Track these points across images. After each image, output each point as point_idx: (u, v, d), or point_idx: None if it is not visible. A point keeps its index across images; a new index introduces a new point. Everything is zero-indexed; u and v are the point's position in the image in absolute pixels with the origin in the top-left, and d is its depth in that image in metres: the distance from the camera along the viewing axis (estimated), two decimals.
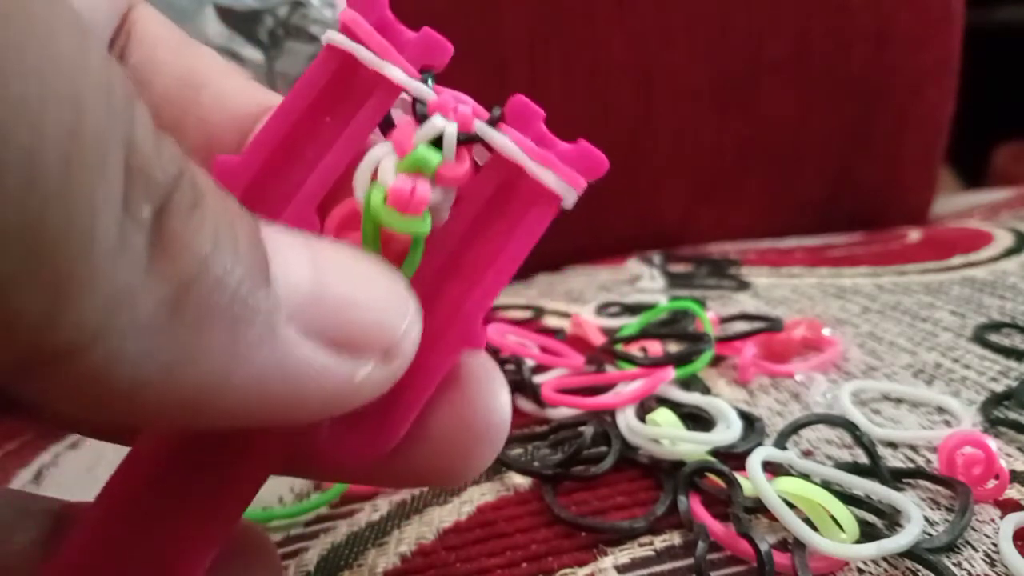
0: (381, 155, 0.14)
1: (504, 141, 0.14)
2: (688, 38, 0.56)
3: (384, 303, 0.13)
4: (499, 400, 0.16)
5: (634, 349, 0.31)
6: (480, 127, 0.14)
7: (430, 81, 0.15)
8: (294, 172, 0.14)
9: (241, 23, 0.40)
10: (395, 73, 0.14)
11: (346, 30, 0.15)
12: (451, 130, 0.14)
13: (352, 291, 0.12)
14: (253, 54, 0.40)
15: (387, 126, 0.15)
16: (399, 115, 0.15)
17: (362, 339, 0.12)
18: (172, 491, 0.14)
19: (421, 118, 0.14)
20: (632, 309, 0.39)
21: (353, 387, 0.12)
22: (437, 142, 0.14)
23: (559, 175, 0.15)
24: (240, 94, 0.16)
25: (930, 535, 0.20)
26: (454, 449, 0.15)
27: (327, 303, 0.12)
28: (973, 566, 0.19)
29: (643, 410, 0.27)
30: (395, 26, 0.15)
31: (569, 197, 0.15)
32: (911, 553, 0.19)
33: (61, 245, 0.09)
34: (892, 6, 0.58)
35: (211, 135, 0.16)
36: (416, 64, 0.15)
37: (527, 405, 0.29)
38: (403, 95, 0.15)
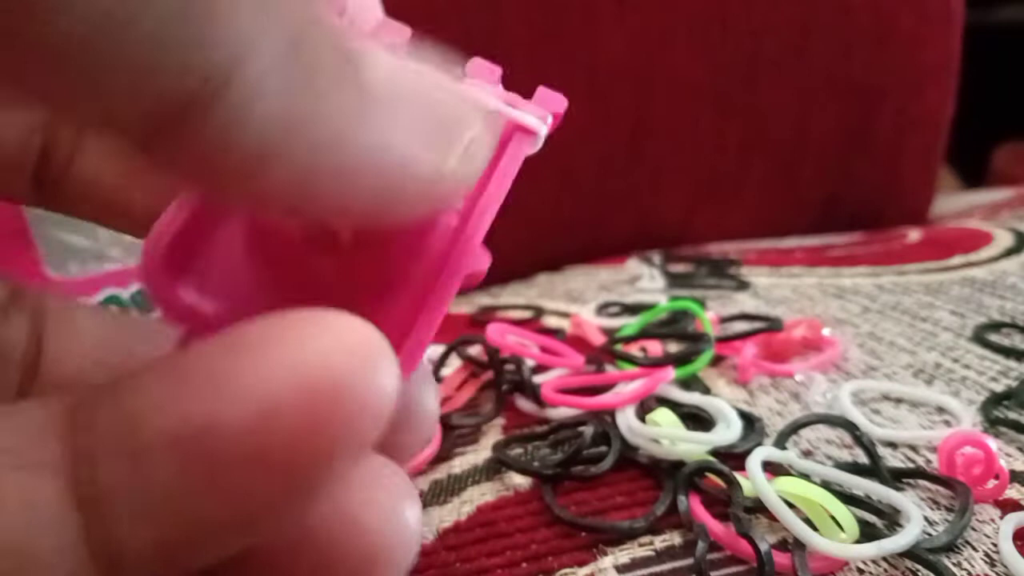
0: None
1: (472, 89, 0.15)
2: (688, 38, 0.56)
3: (462, 98, 0.13)
4: (401, 519, 0.12)
5: (634, 349, 0.31)
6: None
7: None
8: None
9: None
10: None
11: None
12: None
13: (434, 82, 0.13)
14: None
15: None
16: None
17: (448, 126, 0.12)
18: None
19: None
20: (632, 309, 0.39)
21: (439, 177, 0.12)
22: None
23: (526, 111, 0.15)
24: None
25: (930, 535, 0.20)
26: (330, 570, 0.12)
27: (413, 84, 0.12)
28: (973, 566, 0.19)
29: (643, 410, 0.27)
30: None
31: (540, 130, 0.15)
32: (911, 553, 0.19)
33: None
34: (892, 6, 0.58)
35: None
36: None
37: (527, 405, 0.29)
38: None
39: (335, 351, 0.10)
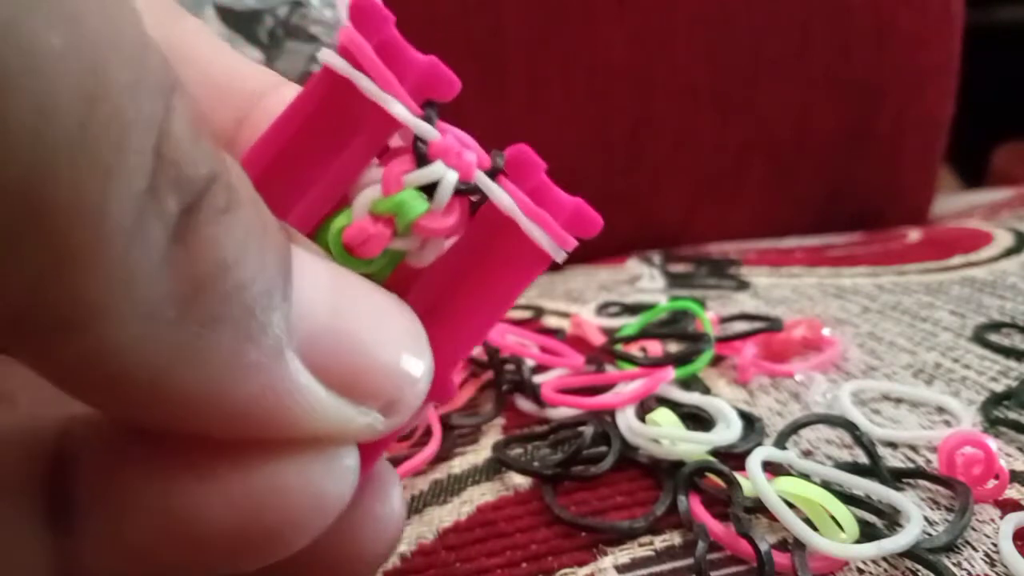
0: (369, 189, 0.14)
1: (503, 196, 0.14)
2: (688, 38, 0.56)
3: (399, 354, 0.12)
4: (389, 506, 0.14)
5: (634, 349, 0.31)
6: (480, 178, 0.14)
7: (434, 117, 0.14)
8: (283, 198, 0.14)
9: (241, 23, 0.40)
10: (398, 110, 0.13)
11: (346, 53, 0.13)
12: (450, 179, 0.13)
13: (370, 333, 0.12)
14: (253, 54, 0.40)
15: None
16: (398, 143, 0.14)
17: (369, 387, 0.12)
18: None
19: (420, 157, 0.14)
20: (632, 309, 0.39)
21: (344, 432, 0.12)
22: (430, 187, 0.13)
23: (551, 235, 0.14)
24: (231, 73, 0.15)
25: (930, 535, 0.20)
26: (330, 561, 0.14)
27: (342, 340, 0.11)
28: (973, 566, 0.19)
29: (643, 410, 0.27)
30: (401, 47, 0.14)
31: (559, 256, 0.14)
32: (911, 553, 0.19)
33: (67, 211, 0.08)
34: (892, 6, 0.58)
35: (210, 113, 0.15)
36: (419, 94, 0.14)
37: (527, 405, 0.29)
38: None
39: (314, 475, 0.12)
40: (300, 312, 0.11)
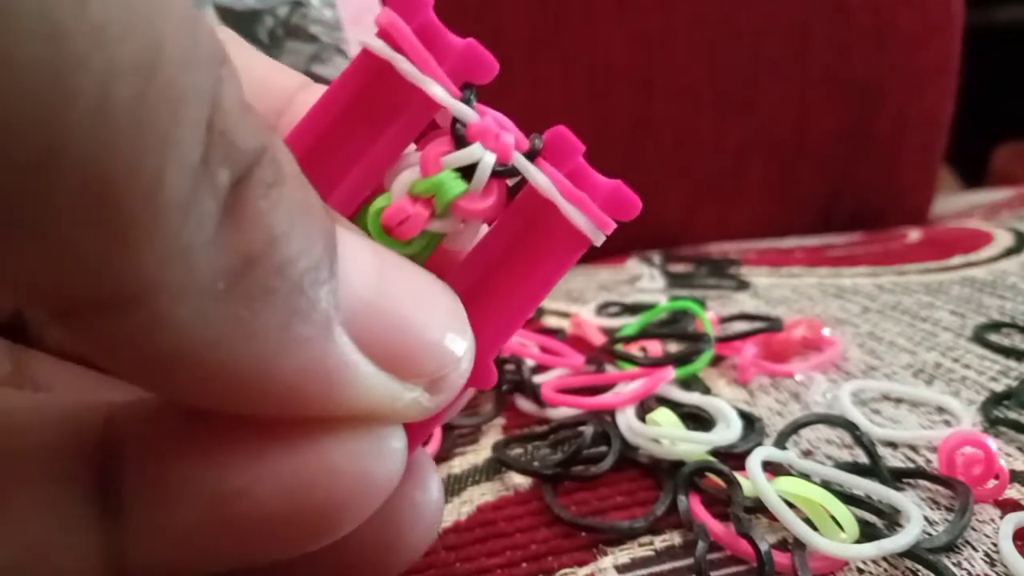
0: (408, 171, 0.14)
1: (541, 178, 0.14)
2: (688, 38, 0.56)
3: (443, 332, 0.12)
4: (429, 493, 0.15)
5: (634, 349, 0.31)
6: (519, 160, 0.14)
7: (472, 99, 0.14)
8: (323, 182, 0.13)
9: (241, 23, 0.40)
10: (437, 91, 0.13)
11: (385, 35, 0.13)
12: (488, 161, 0.13)
13: (414, 311, 0.12)
14: None
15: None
16: (437, 127, 0.14)
17: (413, 364, 0.12)
18: None
19: (459, 139, 0.14)
20: (632, 309, 0.39)
21: (391, 409, 0.12)
22: (468, 168, 0.13)
23: (590, 217, 0.14)
24: (267, 73, 0.15)
25: (930, 535, 0.20)
26: (370, 549, 0.14)
27: (387, 317, 0.11)
28: (973, 566, 0.19)
29: (643, 410, 0.27)
30: (438, 30, 0.14)
31: (598, 239, 0.14)
32: (911, 553, 0.19)
33: (125, 184, 0.08)
34: (892, 6, 0.58)
35: None
36: (457, 76, 0.14)
37: (527, 405, 0.29)
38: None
39: (360, 454, 0.12)
40: (346, 288, 0.11)
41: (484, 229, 0.14)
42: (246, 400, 0.11)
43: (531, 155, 0.14)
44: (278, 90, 0.15)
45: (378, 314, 0.11)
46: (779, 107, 0.58)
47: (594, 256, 0.54)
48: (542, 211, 0.14)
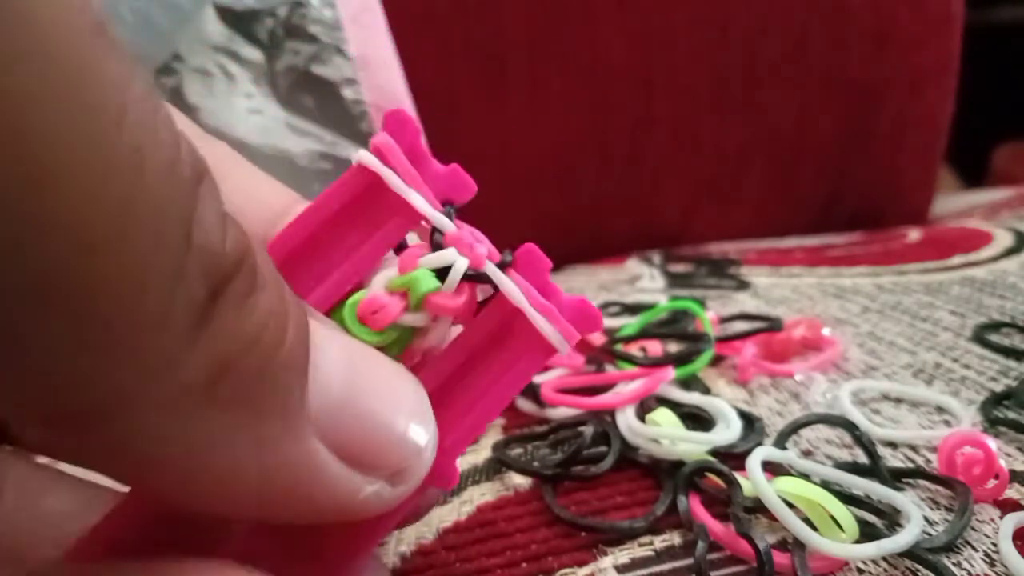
0: (387, 270, 0.15)
1: (511, 286, 0.15)
2: (688, 38, 0.56)
3: (407, 424, 0.12)
4: None
5: (634, 349, 0.31)
6: (491, 268, 0.15)
7: (452, 213, 0.15)
8: (307, 279, 0.15)
9: (241, 23, 0.40)
10: (418, 202, 0.15)
11: (377, 152, 0.15)
12: (461, 264, 0.15)
13: (381, 405, 0.12)
14: (253, 54, 0.40)
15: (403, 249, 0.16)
16: (414, 239, 0.16)
17: (378, 458, 0.12)
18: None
19: (435, 245, 0.15)
20: (632, 309, 0.39)
21: (355, 502, 0.12)
22: (443, 271, 0.15)
23: (557, 328, 0.15)
24: (259, 189, 0.16)
25: (930, 535, 0.20)
26: None
27: (355, 414, 0.12)
28: (973, 566, 0.19)
29: (643, 410, 0.27)
30: (424, 156, 0.15)
31: (563, 349, 0.15)
32: (911, 553, 0.19)
33: (107, 307, 0.09)
34: (892, 6, 0.58)
35: None
36: (440, 196, 0.15)
37: (527, 405, 0.29)
38: (423, 222, 0.15)
39: None
40: (317, 388, 0.11)
41: (454, 332, 0.15)
42: (216, 501, 0.11)
43: (502, 266, 0.15)
44: (268, 206, 0.16)
45: (347, 411, 0.12)
46: (779, 107, 0.58)
47: (594, 256, 0.54)
48: (511, 320, 0.15)
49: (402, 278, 0.14)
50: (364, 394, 0.12)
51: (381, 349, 0.14)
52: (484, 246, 0.15)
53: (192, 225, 0.09)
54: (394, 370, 0.13)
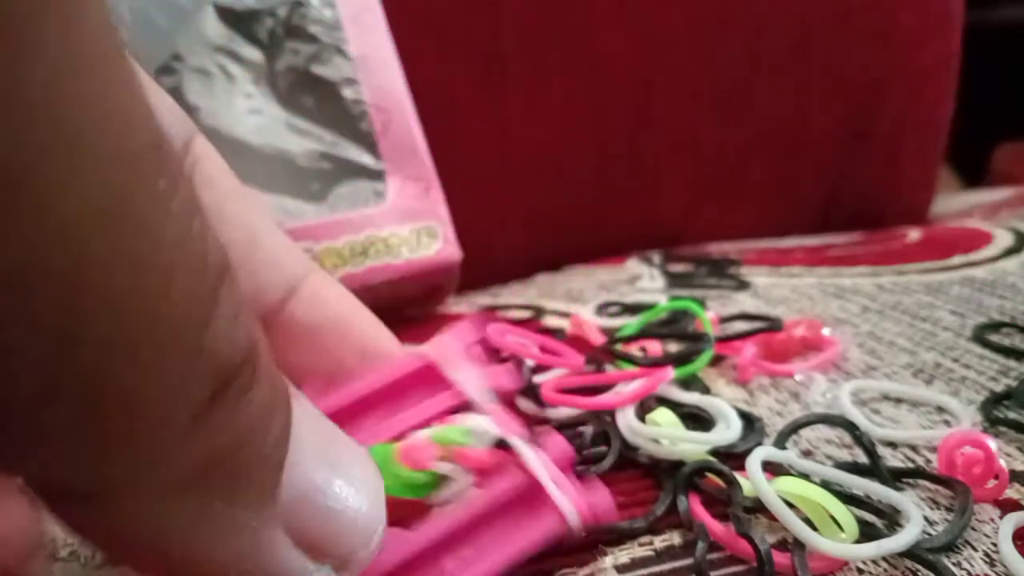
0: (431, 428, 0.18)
1: (533, 460, 0.17)
2: (688, 38, 0.56)
3: (363, 520, 0.13)
4: None
5: (634, 349, 0.31)
6: (516, 442, 0.17)
7: (494, 399, 0.19)
8: (366, 423, 0.18)
9: (241, 23, 0.40)
10: (469, 389, 0.19)
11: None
12: (493, 431, 0.18)
13: (343, 503, 0.13)
14: (253, 54, 0.40)
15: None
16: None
17: (330, 546, 0.13)
18: None
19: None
20: (632, 309, 0.39)
21: None
22: (478, 434, 0.18)
23: (573, 504, 0.17)
24: (286, 255, 0.17)
25: (930, 535, 0.20)
26: None
27: (316, 507, 0.12)
28: (973, 566, 0.19)
29: (643, 410, 0.27)
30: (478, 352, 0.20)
31: (575, 525, 0.17)
32: (911, 553, 0.19)
33: (115, 406, 0.09)
34: (892, 6, 0.58)
35: (259, 289, 0.17)
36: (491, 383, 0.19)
37: (527, 405, 0.29)
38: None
39: None
40: (287, 478, 0.12)
41: (475, 492, 0.17)
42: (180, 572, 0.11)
43: (529, 443, 0.18)
44: (285, 276, 0.17)
45: (309, 503, 0.12)
46: (779, 107, 0.58)
47: (594, 256, 0.54)
48: (530, 488, 0.17)
49: (442, 430, 0.17)
50: (327, 488, 0.13)
51: (407, 489, 0.16)
52: (516, 425, 0.18)
53: (206, 332, 0.10)
54: (356, 453, 0.14)
